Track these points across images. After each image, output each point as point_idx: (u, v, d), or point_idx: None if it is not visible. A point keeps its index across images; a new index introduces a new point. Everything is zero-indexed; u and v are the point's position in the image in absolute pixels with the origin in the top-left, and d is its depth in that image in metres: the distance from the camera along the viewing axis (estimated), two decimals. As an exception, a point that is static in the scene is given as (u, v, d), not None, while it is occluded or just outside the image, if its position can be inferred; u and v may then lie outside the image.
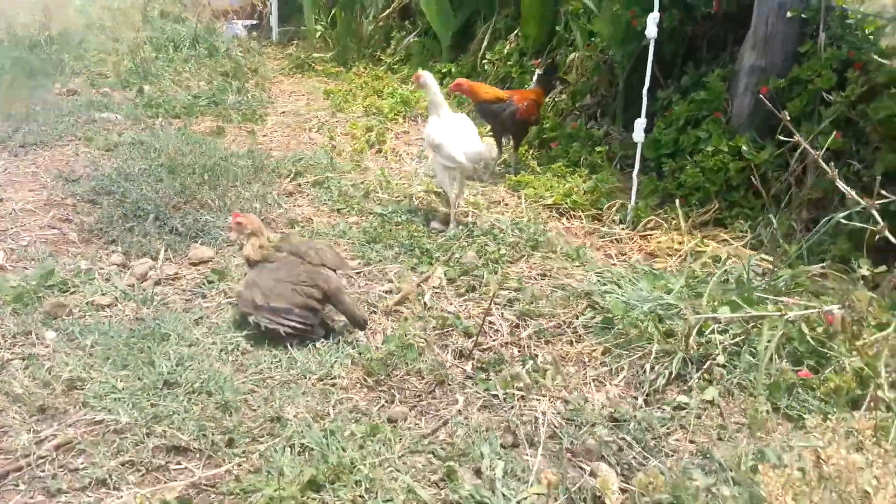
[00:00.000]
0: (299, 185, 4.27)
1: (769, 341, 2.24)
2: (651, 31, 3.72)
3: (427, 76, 3.76)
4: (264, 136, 5.31)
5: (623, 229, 3.72)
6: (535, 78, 4.82)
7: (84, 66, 7.03)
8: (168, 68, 6.82)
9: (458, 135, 3.59)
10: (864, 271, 2.52)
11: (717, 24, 4.51)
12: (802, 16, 3.80)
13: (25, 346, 2.48)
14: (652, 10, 3.69)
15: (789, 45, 3.89)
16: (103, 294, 2.84)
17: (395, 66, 7.39)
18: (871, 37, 3.81)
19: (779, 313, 2.44)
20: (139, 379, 2.29)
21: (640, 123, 3.81)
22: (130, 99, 5.92)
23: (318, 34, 8.26)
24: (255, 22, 10.23)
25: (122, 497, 1.86)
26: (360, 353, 2.54)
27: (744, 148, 3.79)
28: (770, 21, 3.91)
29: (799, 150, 3.51)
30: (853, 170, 3.36)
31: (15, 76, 6.48)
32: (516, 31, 6.21)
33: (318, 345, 2.58)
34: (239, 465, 2.00)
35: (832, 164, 2.64)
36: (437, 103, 3.71)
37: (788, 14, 3.82)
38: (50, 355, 2.42)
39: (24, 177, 4.17)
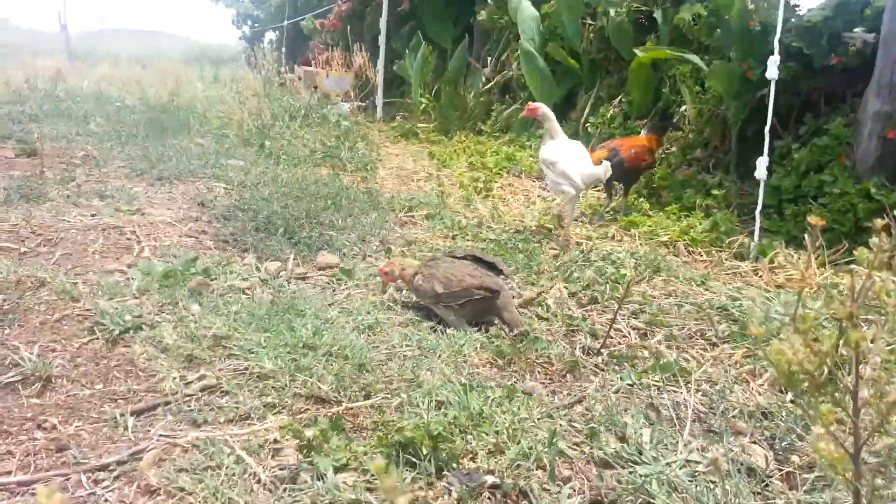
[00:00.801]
0: (412, 216, 4.41)
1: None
2: (772, 72, 3.76)
3: (544, 106, 3.94)
4: (376, 183, 5.55)
5: (750, 264, 3.61)
6: (646, 126, 4.89)
7: (208, 129, 7.65)
8: (286, 131, 7.33)
9: (574, 156, 3.71)
10: None
11: (836, 78, 4.49)
12: (930, 63, 3.75)
13: (173, 314, 2.60)
14: (770, 56, 3.75)
15: (917, 90, 3.83)
16: (243, 279, 2.97)
17: (496, 134, 7.67)
18: None
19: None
20: (280, 340, 2.35)
21: (763, 161, 3.79)
22: (253, 152, 6.36)
23: (423, 106, 8.73)
24: (360, 103, 10.96)
25: (266, 425, 1.88)
26: (489, 340, 2.52)
27: (873, 190, 3.67)
28: None
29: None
30: None
31: (149, 131, 7.15)
32: (619, 98, 6.38)
33: (448, 331, 2.59)
34: (379, 406, 1.99)
35: None
36: (554, 129, 3.88)
37: (915, 61, 3.79)
38: (196, 319, 2.52)
39: (161, 201, 4.48)
